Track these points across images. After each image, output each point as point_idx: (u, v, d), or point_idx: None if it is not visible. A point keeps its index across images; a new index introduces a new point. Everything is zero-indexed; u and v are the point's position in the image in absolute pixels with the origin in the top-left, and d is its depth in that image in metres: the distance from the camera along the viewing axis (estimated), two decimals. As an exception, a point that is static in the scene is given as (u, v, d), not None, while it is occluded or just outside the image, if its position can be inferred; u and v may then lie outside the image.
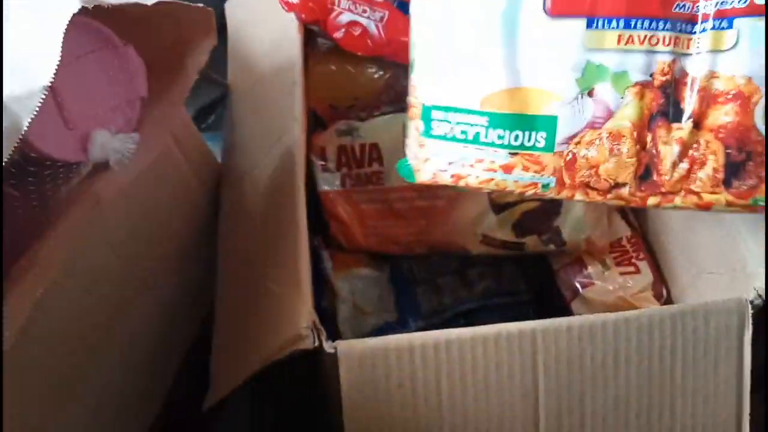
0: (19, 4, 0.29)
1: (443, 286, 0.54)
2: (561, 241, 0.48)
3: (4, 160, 0.27)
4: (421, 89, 0.31)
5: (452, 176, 0.31)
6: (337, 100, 0.53)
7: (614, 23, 0.27)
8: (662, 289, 0.47)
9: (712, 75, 0.28)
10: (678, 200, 0.29)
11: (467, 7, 0.28)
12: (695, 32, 0.27)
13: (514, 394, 0.33)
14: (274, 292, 0.37)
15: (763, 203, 0.28)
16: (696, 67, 0.28)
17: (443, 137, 0.30)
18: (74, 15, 0.28)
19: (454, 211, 0.50)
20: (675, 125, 0.28)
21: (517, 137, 0.29)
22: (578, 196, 0.29)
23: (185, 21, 0.38)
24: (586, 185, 0.29)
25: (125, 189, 0.36)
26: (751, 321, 0.34)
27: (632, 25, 0.27)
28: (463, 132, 0.30)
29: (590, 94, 0.28)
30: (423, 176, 0.32)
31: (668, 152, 0.28)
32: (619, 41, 0.27)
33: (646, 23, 0.27)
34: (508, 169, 0.29)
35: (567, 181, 0.29)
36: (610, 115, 0.28)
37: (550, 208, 0.48)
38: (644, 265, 0.48)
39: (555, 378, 0.33)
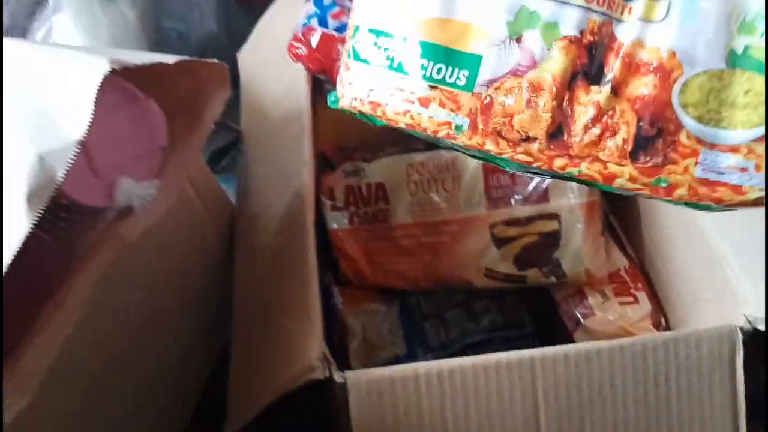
0: (48, 66, 0.32)
1: (450, 320, 0.56)
2: (561, 273, 0.50)
3: (41, 209, 0.29)
4: (360, 11, 0.31)
5: (370, 103, 0.31)
6: (345, 142, 0.56)
7: None
8: (660, 318, 0.48)
9: (638, 44, 0.27)
10: (584, 166, 0.28)
11: None
12: (629, 1, 0.27)
13: (516, 421, 0.34)
14: (286, 326, 0.39)
15: (666, 185, 0.28)
16: (625, 33, 0.27)
17: (367, 62, 0.30)
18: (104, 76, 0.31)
19: (457, 246, 0.52)
20: (594, 88, 0.28)
21: (439, 70, 0.29)
22: (488, 144, 0.29)
23: (202, 75, 0.41)
24: (498, 133, 0.29)
25: (147, 232, 0.38)
26: (742, 347, 0.35)
27: None
28: (389, 58, 0.29)
29: (518, 40, 0.28)
30: (344, 102, 0.32)
31: (582, 114, 0.28)
32: None
33: None
34: (425, 102, 0.29)
35: (480, 126, 0.29)
36: (533, 64, 0.28)
37: (550, 241, 0.50)
38: (642, 295, 0.49)
39: (555, 404, 0.34)
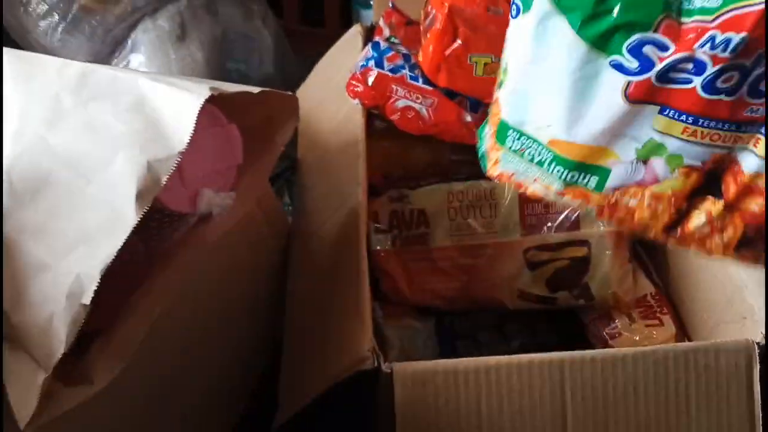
0: (165, 89, 0.38)
1: (482, 341, 0.59)
2: (590, 296, 0.54)
3: (146, 209, 0.35)
4: (504, 106, 0.34)
5: (516, 183, 0.35)
6: (390, 171, 0.61)
7: (684, 117, 0.29)
8: (684, 340, 0.51)
9: (758, 175, 0.30)
10: (693, 246, 0.32)
11: (554, 59, 0.31)
12: (758, 132, 0.29)
13: (545, 418, 0.38)
14: (339, 326, 0.43)
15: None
16: (747, 162, 0.30)
17: (514, 150, 0.34)
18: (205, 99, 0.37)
19: (492, 269, 0.56)
20: (710, 198, 0.31)
21: (573, 176, 0.32)
22: (612, 221, 0.33)
23: (275, 105, 0.47)
24: (620, 221, 0.33)
25: (222, 238, 0.44)
26: (758, 360, 0.38)
27: (699, 123, 0.29)
28: (530, 153, 0.33)
29: (644, 162, 0.31)
30: (492, 172, 0.36)
31: (696, 217, 0.31)
32: (683, 132, 0.29)
33: (713, 123, 0.29)
34: (560, 194, 0.33)
35: (606, 215, 0.33)
36: (656, 181, 0.31)
37: (580, 266, 0.54)
38: (667, 318, 0.52)
39: (581, 404, 0.38)
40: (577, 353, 0.38)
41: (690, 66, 0.28)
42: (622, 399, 0.38)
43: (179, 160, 0.37)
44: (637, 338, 0.51)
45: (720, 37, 0.27)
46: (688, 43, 0.28)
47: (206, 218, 0.43)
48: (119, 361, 0.36)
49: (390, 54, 0.55)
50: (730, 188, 0.30)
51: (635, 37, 0.28)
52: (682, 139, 0.30)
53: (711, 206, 0.31)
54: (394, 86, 0.55)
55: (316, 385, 0.40)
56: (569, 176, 0.32)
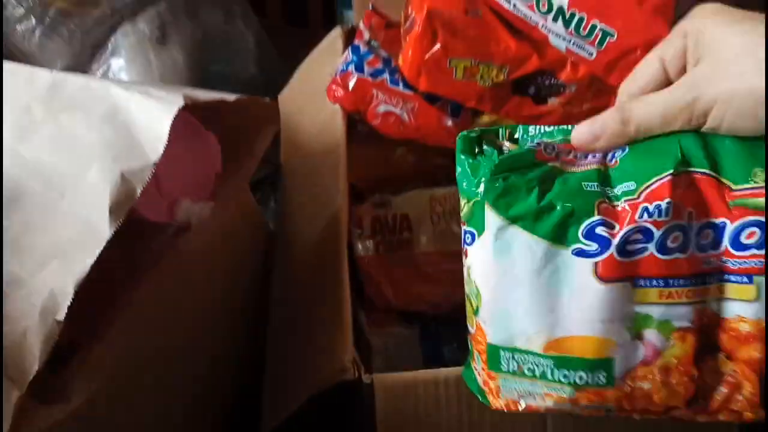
0: (138, 99, 0.37)
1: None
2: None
3: (121, 221, 0.34)
4: (488, 330, 0.33)
5: (526, 407, 0.34)
6: (373, 176, 0.61)
7: (655, 282, 0.31)
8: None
9: (740, 319, 0.31)
10: (722, 417, 0.32)
11: (521, 265, 0.32)
12: (725, 281, 0.31)
13: (525, 425, 0.38)
14: (321, 336, 0.43)
15: None
16: (727, 310, 0.31)
17: (512, 372, 0.33)
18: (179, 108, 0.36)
19: (476, 274, 0.56)
20: (712, 357, 0.32)
21: (581, 377, 0.32)
22: (636, 416, 0.33)
23: (254, 112, 0.46)
24: (644, 410, 0.33)
25: (201, 247, 0.43)
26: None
27: (670, 284, 0.31)
28: (530, 369, 0.32)
29: (639, 337, 0.31)
30: (497, 404, 0.35)
31: (710, 380, 0.32)
32: (660, 296, 0.31)
33: (681, 281, 0.31)
34: (575, 401, 0.33)
35: (627, 407, 0.33)
36: (658, 354, 0.31)
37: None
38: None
39: (561, 416, 0.38)
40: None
41: (640, 236, 0.30)
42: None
43: (155, 170, 0.36)
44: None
45: (651, 207, 0.30)
46: (630, 218, 0.30)
47: (185, 228, 0.43)
48: (97, 378, 0.35)
49: (370, 58, 0.55)
50: (723, 338, 0.32)
51: (585, 223, 0.31)
52: (662, 304, 0.31)
53: (717, 364, 0.32)
54: (374, 91, 0.54)
55: (297, 397, 0.40)
56: (577, 378, 0.32)
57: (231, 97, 0.41)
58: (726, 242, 0.30)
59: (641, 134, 0.32)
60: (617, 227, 0.30)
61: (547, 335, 0.32)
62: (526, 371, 0.32)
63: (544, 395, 0.33)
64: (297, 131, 0.63)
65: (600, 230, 0.30)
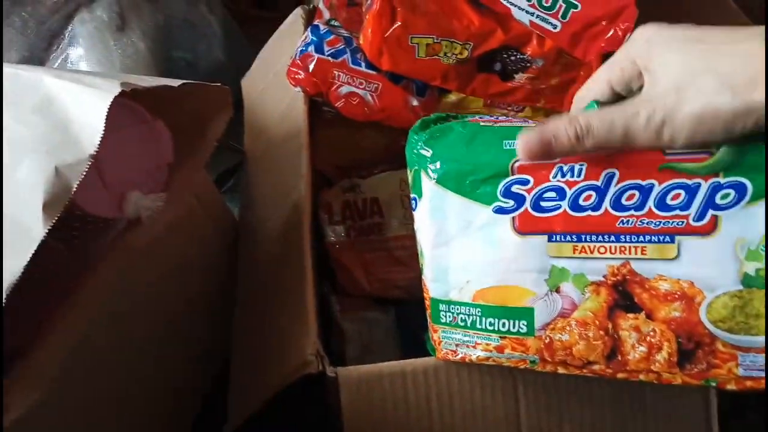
0: (71, 88, 0.35)
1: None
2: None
3: (56, 217, 0.32)
4: (429, 285, 0.37)
5: (460, 357, 0.37)
6: (341, 160, 0.59)
7: (568, 237, 0.33)
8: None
9: (659, 277, 0.32)
10: (642, 377, 0.33)
11: (452, 224, 0.35)
12: (642, 242, 0.32)
13: (498, 416, 0.36)
14: (284, 327, 0.41)
15: (715, 384, 0.32)
16: (645, 269, 0.32)
17: (449, 323, 0.36)
18: (115, 97, 0.34)
19: (449, 257, 0.54)
20: (631, 315, 0.33)
21: (504, 324, 0.35)
22: (560, 370, 0.35)
23: (206, 97, 0.44)
24: (564, 362, 0.34)
25: (154, 241, 0.41)
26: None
27: (583, 239, 0.33)
28: (462, 320, 0.36)
29: (558, 291, 0.34)
30: (440, 355, 0.38)
31: (627, 337, 0.33)
32: (574, 251, 0.33)
33: (594, 237, 0.33)
34: (500, 349, 0.35)
35: (548, 359, 0.35)
36: (575, 307, 0.34)
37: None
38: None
39: (534, 400, 0.36)
40: (527, 346, 0.36)
41: (553, 194, 0.33)
42: (575, 393, 0.37)
43: (94, 162, 0.34)
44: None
45: (565, 168, 0.32)
46: (544, 176, 0.33)
47: (136, 222, 0.40)
48: (38, 385, 0.33)
49: (330, 38, 0.52)
50: (642, 296, 0.33)
51: (503, 183, 0.33)
52: (576, 258, 0.33)
53: (635, 321, 0.33)
54: (336, 72, 0.52)
55: (262, 391, 0.38)
56: (501, 325, 0.35)
57: (175, 83, 0.39)
58: (651, 203, 0.32)
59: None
60: (531, 183, 0.33)
61: (474, 286, 0.35)
62: (459, 322, 0.36)
63: (475, 344, 0.36)
64: (260, 117, 0.61)
65: (516, 188, 0.33)
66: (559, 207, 0.33)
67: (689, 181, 0.31)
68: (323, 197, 0.56)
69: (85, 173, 0.33)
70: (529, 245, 0.33)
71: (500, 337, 0.35)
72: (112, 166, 0.39)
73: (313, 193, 0.52)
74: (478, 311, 0.35)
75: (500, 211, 0.34)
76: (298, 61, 0.53)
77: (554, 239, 0.33)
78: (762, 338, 0.31)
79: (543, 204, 0.33)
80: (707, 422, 0.37)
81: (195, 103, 0.43)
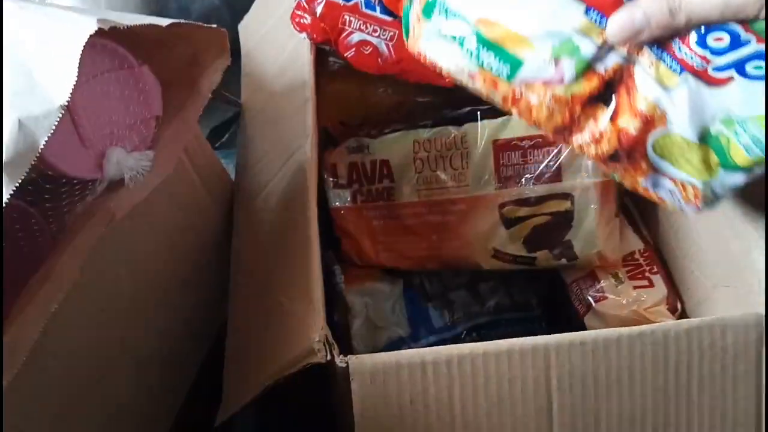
0: (36, 25, 0.29)
1: (455, 301, 0.54)
2: (572, 255, 0.48)
3: (20, 178, 0.27)
4: None
5: (430, 60, 0.36)
6: (348, 117, 0.54)
7: (604, 22, 0.32)
8: (677, 303, 0.46)
9: (645, 97, 0.32)
10: (577, 150, 0.35)
11: None
12: (659, 58, 0.32)
13: (528, 411, 0.33)
14: (286, 307, 0.37)
15: (617, 179, 0.35)
16: (641, 81, 0.32)
17: (438, 28, 0.35)
18: (91, 36, 0.28)
19: (465, 227, 0.50)
20: (601, 107, 0.33)
21: (489, 60, 0.34)
22: (513, 110, 0.35)
23: (199, 41, 0.38)
24: (519, 114, 0.35)
25: (140, 206, 0.36)
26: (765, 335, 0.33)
27: None
28: (452, 34, 0.34)
29: (556, 61, 0.33)
30: (412, 46, 0.37)
31: (585, 126, 0.34)
32: (599, 36, 0.32)
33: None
34: (473, 76, 0.35)
35: (508, 107, 0.35)
36: (561, 82, 0.33)
37: (562, 222, 0.48)
38: (658, 278, 0.47)
39: (569, 394, 0.33)
40: (563, 336, 0.32)
41: None
42: (616, 386, 0.33)
43: (67, 114, 0.29)
44: (624, 301, 0.46)
45: None
46: None
47: (117, 185, 0.35)
48: (13, 363, 0.29)
49: (341, -24, 0.46)
50: (620, 100, 0.33)
51: None
52: (595, 43, 0.32)
53: (600, 115, 0.34)
54: (346, 16, 0.46)
55: (261, 379, 0.34)
56: (485, 60, 0.34)
57: (164, 22, 0.33)
58: (694, 32, 0.31)
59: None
60: None
61: (483, 12, 0.33)
62: (448, 32, 0.34)
63: (451, 59, 0.35)
64: (259, 66, 0.55)
65: None
66: None
67: (743, 33, 0.30)
68: (327, 158, 0.51)
69: (55, 127, 0.28)
70: (561, 6, 0.32)
71: (479, 67, 0.34)
72: (91, 118, 0.33)
73: (318, 153, 0.47)
74: (473, 35, 0.34)
75: None
76: (304, 4, 0.47)
77: (591, 16, 0.32)
78: (676, 171, 0.33)
79: None
80: (758, 418, 0.34)
81: (187, 48, 0.38)
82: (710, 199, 0.34)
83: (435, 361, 0.32)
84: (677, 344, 0.33)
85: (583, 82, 0.33)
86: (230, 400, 0.36)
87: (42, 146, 0.28)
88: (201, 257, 0.48)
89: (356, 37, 0.47)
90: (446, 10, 0.34)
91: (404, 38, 0.38)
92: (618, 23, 0.31)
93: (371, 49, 0.48)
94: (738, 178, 0.33)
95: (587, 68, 0.33)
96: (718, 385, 0.33)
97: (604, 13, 0.31)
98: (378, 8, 0.47)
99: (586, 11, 0.32)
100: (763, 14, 0.29)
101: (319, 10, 0.47)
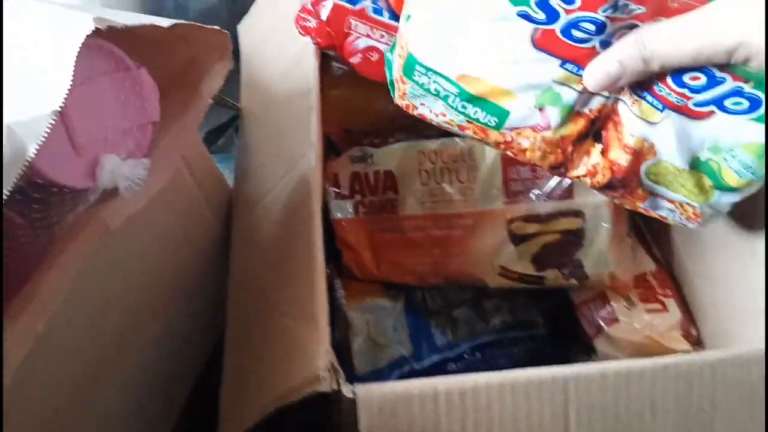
0: (29, 24, 0.27)
1: (458, 319, 0.52)
2: (583, 275, 0.47)
3: (9, 187, 0.25)
4: (411, 40, 0.35)
5: (419, 114, 0.37)
6: (352, 125, 0.52)
7: (582, 71, 0.32)
8: (691, 328, 0.45)
9: (630, 133, 0.33)
10: (572, 175, 0.36)
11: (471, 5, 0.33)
12: (640, 97, 0.33)
13: (544, 445, 0.31)
14: (289, 326, 0.35)
15: (618, 203, 0.37)
16: (625, 118, 0.33)
17: (422, 85, 0.35)
18: (87, 37, 0.26)
19: (471, 242, 0.48)
20: (593, 144, 0.35)
21: (476, 113, 0.35)
22: (510, 153, 0.36)
23: (200, 44, 0.36)
24: (514, 155, 0.36)
25: (134, 217, 0.34)
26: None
27: None
28: (436, 90, 0.35)
29: (540, 109, 0.34)
30: (400, 102, 0.38)
31: (578, 158, 0.35)
32: (579, 83, 0.33)
33: None
34: (462, 128, 0.36)
35: (502, 148, 0.36)
36: (548, 128, 0.34)
37: (572, 241, 0.46)
38: (671, 302, 0.46)
39: (588, 429, 0.31)
40: (584, 368, 0.31)
41: (592, 27, 0.31)
42: (637, 420, 0.31)
43: (60, 120, 0.27)
44: (637, 326, 0.45)
45: (621, 2, 0.30)
46: (594, 4, 0.30)
47: (111, 194, 0.33)
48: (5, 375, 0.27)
49: (349, -21, 0.45)
50: (608, 135, 0.34)
51: None
52: (576, 90, 0.33)
53: (592, 150, 0.35)
54: (353, 21, 0.45)
55: (260, 406, 0.32)
56: (472, 113, 0.35)
57: (164, 22, 0.31)
58: (670, 76, 0.32)
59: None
60: (576, 4, 0.30)
61: (463, 69, 0.34)
62: (432, 90, 0.35)
63: (441, 113, 0.36)
64: (260, 70, 0.53)
65: (555, 3, 0.31)
66: (590, 41, 0.31)
67: (718, 72, 0.31)
68: (329, 167, 0.49)
69: (46, 133, 0.26)
70: (538, 61, 0.32)
71: (467, 120, 0.35)
72: (84, 124, 0.31)
73: (323, 163, 0.45)
74: (456, 91, 0.34)
75: (525, 17, 0.31)
76: (310, 7, 0.45)
77: (567, 68, 0.32)
78: (672, 194, 0.35)
79: (574, 33, 0.31)
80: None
81: (187, 50, 0.36)
82: (710, 215, 0.35)
83: (448, 392, 0.30)
84: (701, 378, 0.31)
85: (570, 125, 0.34)
86: (229, 423, 0.34)
87: (32, 153, 0.25)
88: (198, 268, 0.46)
89: (363, 42, 0.46)
90: (426, 69, 0.34)
91: (390, 92, 0.38)
92: (593, 76, 0.32)
93: (378, 55, 0.46)
94: (734, 197, 0.34)
95: (571, 112, 0.34)
96: (743, 422, 0.32)
97: (580, 64, 0.32)
98: (386, 13, 0.45)
99: (562, 64, 0.32)
100: (733, 60, 0.29)
101: (325, 13, 0.45)
